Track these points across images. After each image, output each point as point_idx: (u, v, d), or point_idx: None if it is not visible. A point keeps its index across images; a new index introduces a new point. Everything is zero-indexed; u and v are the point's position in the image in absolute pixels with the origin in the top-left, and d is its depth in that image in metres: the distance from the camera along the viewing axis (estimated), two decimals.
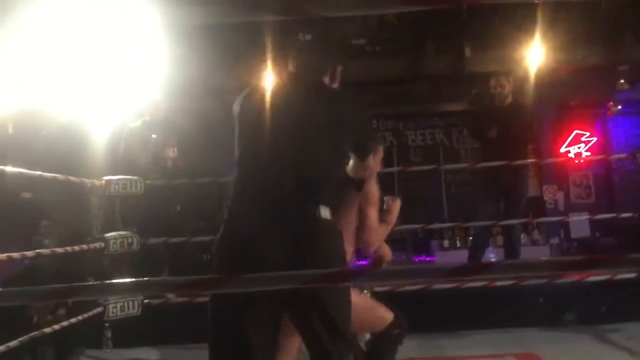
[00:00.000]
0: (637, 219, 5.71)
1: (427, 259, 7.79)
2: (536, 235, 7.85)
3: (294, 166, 2.21)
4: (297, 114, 2.26)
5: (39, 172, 3.41)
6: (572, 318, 4.86)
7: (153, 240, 4.94)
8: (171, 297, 4.54)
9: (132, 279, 2.06)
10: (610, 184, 8.60)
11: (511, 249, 5.66)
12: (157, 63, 4.00)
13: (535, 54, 6.57)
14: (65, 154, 5.05)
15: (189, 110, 6.61)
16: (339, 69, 2.56)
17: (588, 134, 8.53)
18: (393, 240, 7.64)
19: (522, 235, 7.77)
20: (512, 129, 5.38)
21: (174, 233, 5.25)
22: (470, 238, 6.66)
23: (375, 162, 3.08)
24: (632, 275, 4.72)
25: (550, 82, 7.10)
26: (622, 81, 7.76)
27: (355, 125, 2.39)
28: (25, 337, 3.29)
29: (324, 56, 2.61)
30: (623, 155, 6.66)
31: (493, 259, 6.91)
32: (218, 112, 7.56)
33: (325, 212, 2.24)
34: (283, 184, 2.19)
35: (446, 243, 7.88)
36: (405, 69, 7.82)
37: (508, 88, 5.56)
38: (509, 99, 5.57)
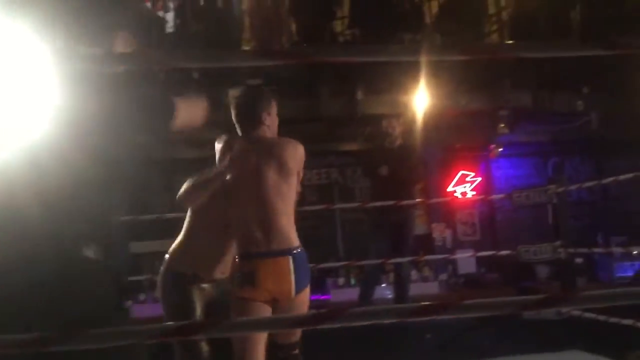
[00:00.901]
0: (518, 256, 6.03)
1: (322, 297, 7.84)
2: (426, 271, 8.12)
3: None
4: None
5: None
6: None
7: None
8: None
9: None
10: (493, 222, 9.08)
11: (400, 286, 5.82)
12: (52, 98, 3.84)
13: (422, 99, 6.91)
14: None
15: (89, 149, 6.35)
16: None
17: (473, 174, 8.99)
18: None
19: (412, 272, 8.04)
20: (400, 169, 5.61)
21: None
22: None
23: (271, 118, 3.09)
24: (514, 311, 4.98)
25: (436, 126, 7.47)
26: (502, 125, 8.27)
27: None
28: None
29: None
30: (502, 196, 7.08)
31: (389, 296, 7.09)
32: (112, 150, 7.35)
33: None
34: None
35: (341, 281, 7.97)
36: (301, 110, 7.96)
37: (398, 130, 5.81)
38: (399, 141, 5.82)
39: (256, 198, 2.95)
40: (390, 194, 5.45)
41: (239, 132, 3.10)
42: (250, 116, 3.07)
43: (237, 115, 3.11)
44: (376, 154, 6.02)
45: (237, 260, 2.96)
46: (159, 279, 3.14)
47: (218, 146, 3.09)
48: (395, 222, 5.68)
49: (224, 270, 3.11)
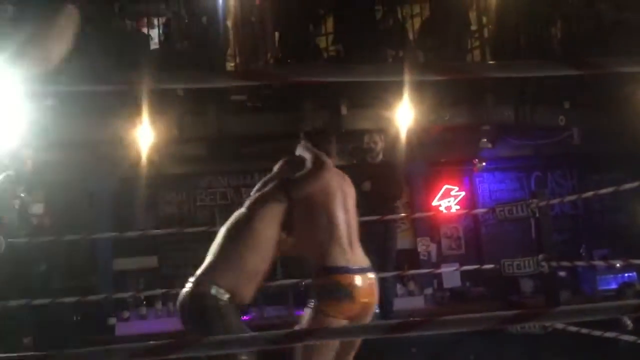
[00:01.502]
0: (502, 269, 6.06)
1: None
2: (411, 286, 8.13)
3: None
4: None
5: None
6: None
7: (14, 303, 4.62)
8: None
9: None
10: (478, 235, 9.14)
11: (385, 300, 5.82)
12: (21, 114, 3.84)
13: (406, 114, 6.96)
14: None
15: (59, 164, 6.34)
16: None
17: (457, 188, 9.05)
18: (274, 294, 7.66)
19: (398, 286, 8.07)
20: (382, 184, 5.64)
21: (37, 294, 4.94)
22: None
23: None
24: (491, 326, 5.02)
25: (420, 141, 7.53)
26: (485, 140, 8.35)
27: None
28: None
29: None
30: (486, 210, 7.13)
31: (377, 311, 7.07)
32: (90, 165, 7.34)
33: None
34: None
35: None
36: (285, 125, 7.99)
37: (380, 145, 5.85)
38: (380, 156, 5.86)
39: (345, 218, 3.15)
40: (373, 209, 5.48)
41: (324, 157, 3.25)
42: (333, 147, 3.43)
43: (330, 142, 3.43)
44: (358, 169, 6.05)
45: (321, 275, 2.98)
46: (188, 301, 2.96)
47: (309, 156, 3.24)
48: (377, 236, 5.70)
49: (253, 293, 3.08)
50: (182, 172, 8.27)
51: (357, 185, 5.76)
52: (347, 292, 2.88)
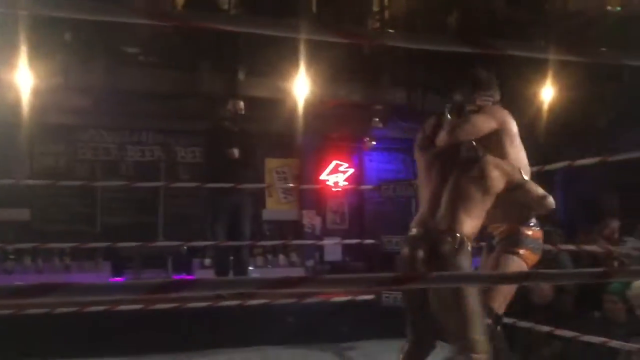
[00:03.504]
0: (382, 246, 6.25)
1: (187, 277, 7.71)
2: (294, 257, 8.23)
3: None
4: None
5: None
6: None
7: None
8: None
9: None
10: (362, 212, 9.38)
11: (240, 268, 5.82)
12: None
13: (302, 87, 6.96)
14: None
15: None
16: None
17: (346, 164, 9.21)
18: (152, 256, 7.48)
19: (280, 257, 8.15)
20: (242, 152, 5.65)
21: None
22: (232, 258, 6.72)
23: None
24: (370, 296, 5.20)
25: (315, 114, 7.57)
26: (377, 119, 8.55)
27: None
28: None
29: None
30: (371, 187, 7.32)
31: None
32: None
33: None
34: None
35: (207, 261, 7.87)
36: (179, 84, 7.75)
37: (240, 113, 5.80)
38: (240, 124, 5.83)
39: None
40: (229, 175, 5.46)
41: None
42: None
43: None
44: (217, 135, 5.97)
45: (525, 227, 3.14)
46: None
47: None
48: (232, 204, 5.69)
49: None
50: (64, 122, 7.81)
51: (224, 151, 5.70)
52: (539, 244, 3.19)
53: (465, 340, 2.73)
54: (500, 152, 3.04)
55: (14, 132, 6.91)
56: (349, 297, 5.24)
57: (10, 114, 6.55)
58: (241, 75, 7.57)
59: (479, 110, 3.09)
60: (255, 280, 2.18)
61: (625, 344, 3.81)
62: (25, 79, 6.28)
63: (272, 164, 8.81)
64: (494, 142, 3.04)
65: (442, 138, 3.01)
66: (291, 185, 8.52)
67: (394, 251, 6.01)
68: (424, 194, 2.99)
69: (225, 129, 5.78)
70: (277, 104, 7.34)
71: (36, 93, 6.36)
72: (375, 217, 9.18)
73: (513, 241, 3.11)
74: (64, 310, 4.45)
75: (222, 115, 5.88)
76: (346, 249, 8.58)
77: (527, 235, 3.12)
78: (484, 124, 3.04)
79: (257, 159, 6.10)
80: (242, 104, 5.84)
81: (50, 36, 6.44)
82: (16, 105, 6.44)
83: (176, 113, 8.06)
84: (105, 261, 7.37)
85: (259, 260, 8.06)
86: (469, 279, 1.59)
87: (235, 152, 5.57)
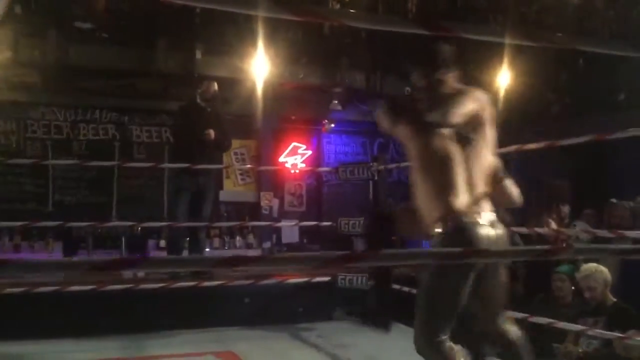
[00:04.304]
0: (338, 228, 6.28)
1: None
2: (250, 238, 8.21)
3: None
4: None
5: None
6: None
7: None
8: None
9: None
10: (320, 194, 9.40)
11: (197, 249, 5.77)
12: None
13: (261, 67, 6.90)
14: None
15: None
16: None
17: (304, 147, 9.20)
18: (106, 237, 7.35)
19: (237, 238, 8.12)
20: (217, 134, 5.57)
21: None
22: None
23: None
24: (326, 278, 5.23)
25: (273, 95, 7.52)
26: (336, 102, 8.55)
27: None
28: None
29: None
30: (329, 169, 7.33)
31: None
32: None
33: None
34: None
35: (163, 243, 7.78)
36: (135, 62, 7.59)
37: (211, 94, 5.71)
38: (211, 105, 5.75)
39: None
40: (199, 156, 5.40)
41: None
42: None
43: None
44: (189, 114, 5.85)
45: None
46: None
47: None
48: (196, 184, 5.62)
49: None
50: (13, 99, 7.56)
51: (197, 131, 5.61)
52: None
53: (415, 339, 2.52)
54: None
55: None
56: (305, 279, 5.25)
57: None
58: (198, 54, 7.44)
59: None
60: (210, 259, 2.15)
61: (574, 325, 3.92)
62: None
63: None
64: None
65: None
66: (249, 166, 8.45)
67: (351, 234, 6.07)
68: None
69: (199, 109, 5.66)
70: (235, 84, 7.26)
71: None
72: (333, 200, 9.22)
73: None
74: (15, 290, 4.34)
75: (195, 96, 5.75)
76: (303, 231, 8.60)
77: None
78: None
79: (229, 142, 6.00)
80: (216, 85, 5.70)
81: None
82: None
83: (131, 91, 7.91)
84: (56, 241, 7.21)
85: (216, 242, 8.01)
86: (416, 256, 1.60)
87: (212, 133, 5.47)
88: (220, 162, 7.38)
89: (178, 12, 7.06)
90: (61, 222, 5.54)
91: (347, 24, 1.40)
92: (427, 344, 2.48)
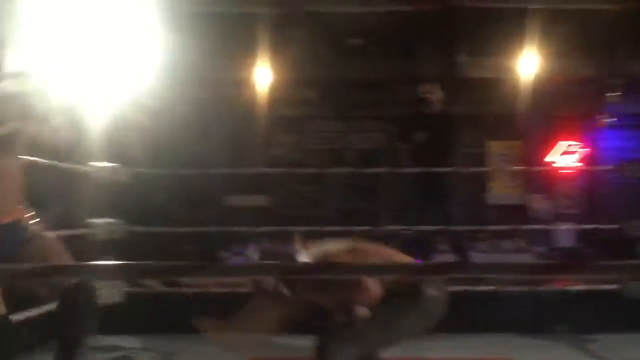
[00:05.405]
0: (624, 231, 5.74)
1: None
2: (521, 242, 7.92)
3: None
4: None
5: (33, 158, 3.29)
6: (564, 328, 4.90)
7: (138, 229, 4.91)
8: (152, 285, 4.54)
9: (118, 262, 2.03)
10: (598, 195, 8.65)
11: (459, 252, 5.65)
12: (151, 48, 3.97)
13: (529, 64, 6.63)
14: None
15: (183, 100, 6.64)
16: None
17: (578, 144, 8.59)
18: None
19: (506, 242, 7.89)
20: (438, 136, 5.45)
21: (160, 223, 5.24)
22: None
23: None
24: (612, 286, 4.78)
25: (542, 92, 7.16)
26: (612, 94, 7.85)
27: None
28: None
29: None
30: (611, 167, 6.70)
31: None
32: (210, 103, 7.61)
33: None
34: None
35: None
36: (398, 71, 7.85)
37: (436, 96, 5.58)
38: (438, 107, 5.60)
39: None
40: (427, 161, 5.28)
41: None
42: None
43: None
44: (413, 120, 5.78)
45: None
46: None
47: None
48: (435, 190, 5.51)
49: None
50: (294, 114, 8.38)
51: (411, 135, 5.55)
52: None
53: None
54: None
55: (250, 125, 7.60)
56: (587, 287, 4.88)
57: (246, 109, 7.21)
58: (462, 58, 7.42)
59: None
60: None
61: None
62: (261, 76, 6.86)
63: (494, 147, 8.57)
64: None
65: None
66: (517, 167, 8.16)
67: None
68: None
69: (420, 114, 5.67)
70: (499, 84, 7.08)
71: (272, 88, 6.92)
72: (614, 201, 8.40)
73: None
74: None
75: (416, 101, 5.77)
76: (581, 234, 8.00)
77: None
78: None
79: (453, 143, 5.84)
80: (433, 87, 5.65)
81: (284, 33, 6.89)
82: (252, 100, 7.08)
83: (395, 100, 8.19)
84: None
85: (484, 245, 7.87)
86: None
87: (421, 136, 5.46)
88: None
89: (440, 18, 7.11)
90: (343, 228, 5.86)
91: None
92: None
